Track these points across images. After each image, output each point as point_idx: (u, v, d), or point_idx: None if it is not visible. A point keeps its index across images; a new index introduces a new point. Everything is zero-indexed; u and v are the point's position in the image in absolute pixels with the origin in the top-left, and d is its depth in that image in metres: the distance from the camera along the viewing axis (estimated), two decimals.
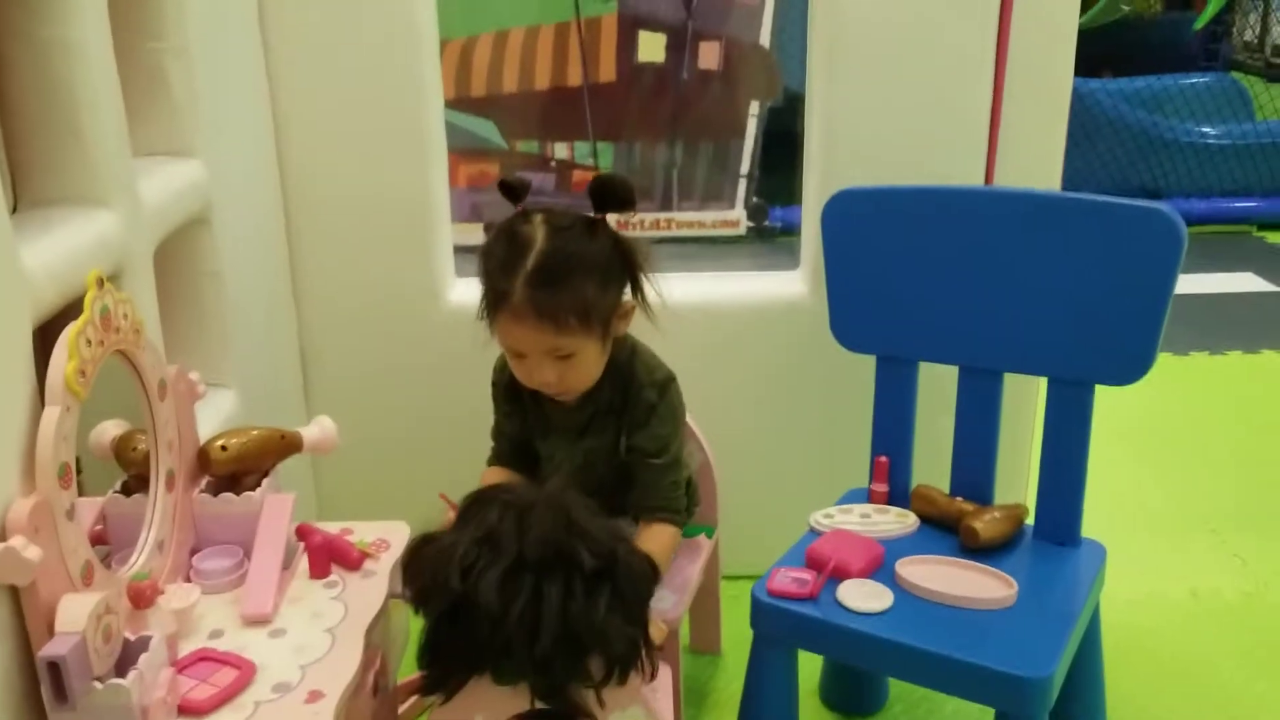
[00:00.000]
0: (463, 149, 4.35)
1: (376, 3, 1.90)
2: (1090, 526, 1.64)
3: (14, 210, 1.31)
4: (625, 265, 1.55)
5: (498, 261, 1.51)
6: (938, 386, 1.76)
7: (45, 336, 1.15)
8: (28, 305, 1.13)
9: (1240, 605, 2.17)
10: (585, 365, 1.54)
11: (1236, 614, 2.15)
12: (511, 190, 1.56)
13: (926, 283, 1.65)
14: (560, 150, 4.53)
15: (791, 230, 4.46)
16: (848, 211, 1.70)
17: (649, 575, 1.28)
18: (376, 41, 1.92)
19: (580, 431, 1.62)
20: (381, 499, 1.76)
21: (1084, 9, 2.02)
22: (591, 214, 1.53)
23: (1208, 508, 2.55)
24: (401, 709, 1.73)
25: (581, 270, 1.49)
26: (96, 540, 1.27)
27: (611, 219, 1.55)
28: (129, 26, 1.49)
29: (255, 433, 1.43)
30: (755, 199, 4.52)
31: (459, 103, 4.33)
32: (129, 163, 1.40)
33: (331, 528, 1.47)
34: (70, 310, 1.18)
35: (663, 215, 4.48)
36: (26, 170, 1.33)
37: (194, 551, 1.39)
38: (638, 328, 1.63)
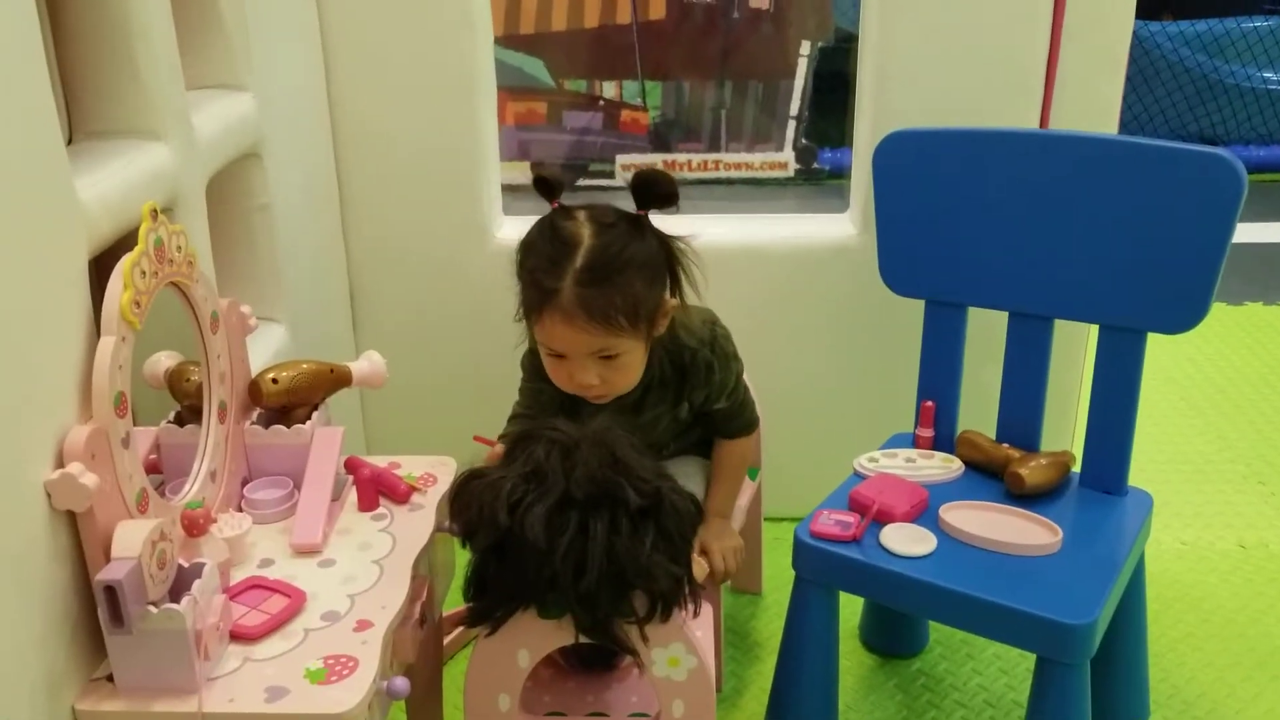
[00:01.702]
0: (511, 87, 4.33)
1: None
2: (1137, 475, 1.63)
3: (69, 142, 1.32)
4: (669, 263, 1.51)
5: (544, 258, 1.44)
6: (985, 332, 1.75)
7: (100, 268, 1.17)
8: (84, 236, 1.14)
9: None
10: (629, 367, 1.49)
11: None
12: (548, 186, 1.48)
13: (978, 227, 1.63)
14: (608, 89, 4.50)
15: (840, 173, 4.42)
16: (899, 153, 1.67)
17: (693, 514, 1.29)
18: None
19: (635, 407, 1.59)
20: (428, 434, 1.78)
21: None
22: (635, 210, 1.48)
23: (1257, 460, 2.52)
24: (447, 640, 1.76)
25: (632, 268, 1.43)
26: (150, 469, 1.30)
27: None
28: None
29: (305, 366, 1.45)
30: (804, 141, 4.48)
31: (508, 40, 4.31)
32: (182, 95, 1.41)
33: (380, 461, 1.49)
34: (125, 242, 1.19)
35: (711, 156, 4.45)
36: (82, 103, 1.34)
37: (245, 482, 1.41)
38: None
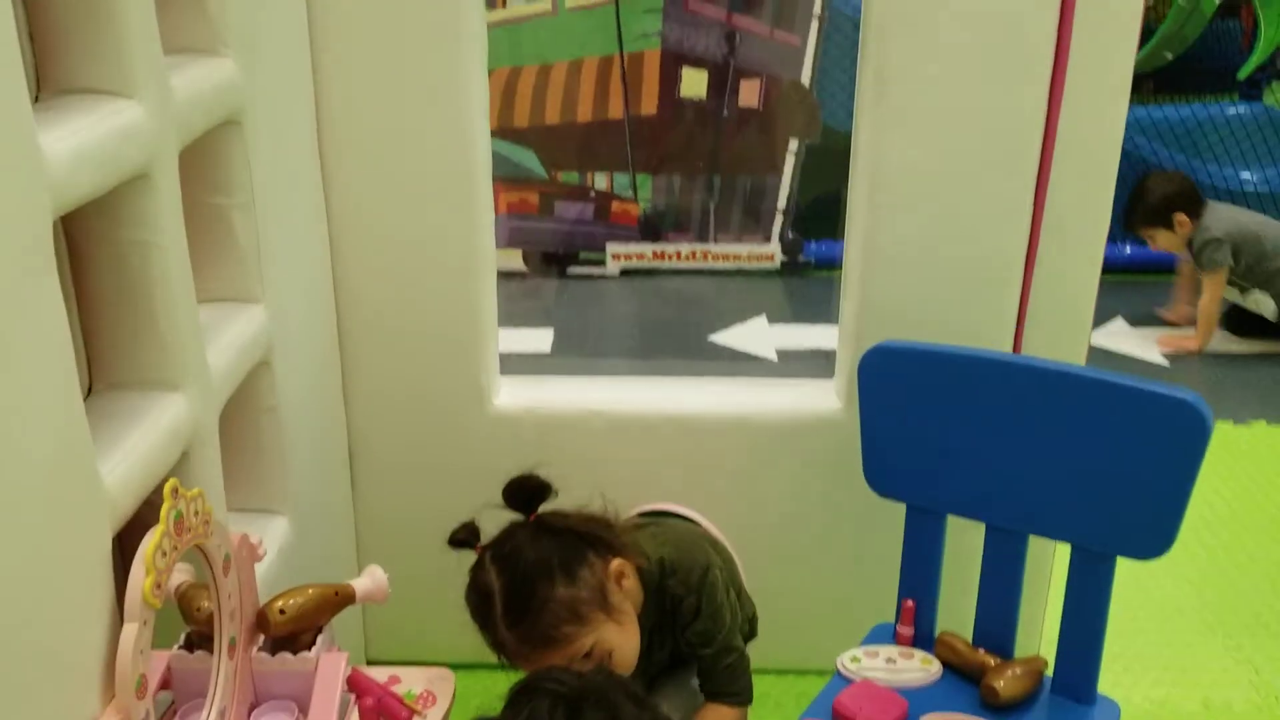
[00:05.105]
0: (504, 177, 4.40)
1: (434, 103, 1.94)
2: (1110, 625, 1.65)
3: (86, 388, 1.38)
4: (587, 542, 1.57)
5: (478, 617, 1.58)
6: (965, 532, 1.80)
7: (124, 545, 1.23)
8: (107, 520, 1.20)
9: (1251, 719, 2.21)
10: (615, 642, 1.55)
11: None
12: (462, 543, 1.60)
13: (956, 441, 1.69)
14: (600, 181, 4.57)
15: (825, 265, 4.50)
16: (883, 365, 1.73)
17: None
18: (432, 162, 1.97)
19: (645, 651, 1.65)
20: (429, 602, 1.80)
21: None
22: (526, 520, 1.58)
23: (1225, 610, 2.55)
24: None
25: (545, 580, 1.52)
26: (162, 687, 1.35)
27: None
28: (198, 181, 1.55)
29: (311, 591, 1.49)
30: (791, 234, 4.56)
31: (501, 131, 4.37)
32: (196, 319, 1.47)
33: (379, 674, 1.54)
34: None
35: (699, 247, 4.53)
36: (100, 355, 1.40)
37: (252, 708, 1.46)
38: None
